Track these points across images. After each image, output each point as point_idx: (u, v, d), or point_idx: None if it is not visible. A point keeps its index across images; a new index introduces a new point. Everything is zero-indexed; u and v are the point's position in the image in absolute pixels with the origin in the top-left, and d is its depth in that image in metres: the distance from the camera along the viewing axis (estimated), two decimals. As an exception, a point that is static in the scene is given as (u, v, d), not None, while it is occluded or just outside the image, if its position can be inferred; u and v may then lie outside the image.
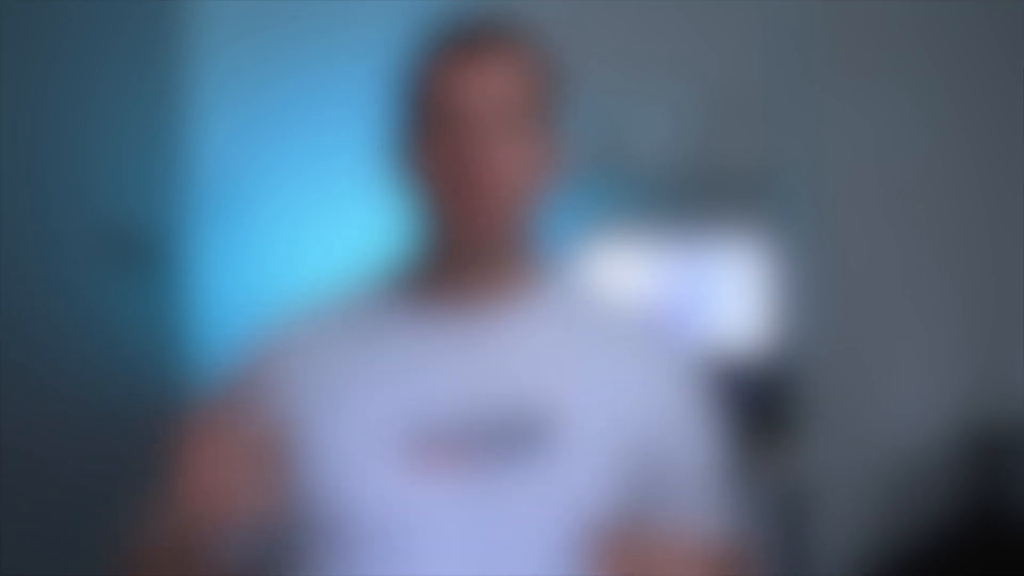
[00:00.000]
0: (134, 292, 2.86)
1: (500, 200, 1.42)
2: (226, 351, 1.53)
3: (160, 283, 2.86)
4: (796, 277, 3.21)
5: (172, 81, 2.84)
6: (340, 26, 2.87)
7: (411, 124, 1.45)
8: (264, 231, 2.86)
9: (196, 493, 1.37)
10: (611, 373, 1.47)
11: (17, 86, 2.89)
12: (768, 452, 3.12)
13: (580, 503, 1.42)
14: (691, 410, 1.52)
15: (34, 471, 2.81)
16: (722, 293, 3.23)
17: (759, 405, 3.12)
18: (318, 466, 1.42)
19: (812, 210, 3.21)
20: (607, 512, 1.43)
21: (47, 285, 2.88)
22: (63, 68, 2.88)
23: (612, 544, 1.41)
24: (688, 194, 3.19)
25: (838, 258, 3.21)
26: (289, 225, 2.86)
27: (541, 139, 1.45)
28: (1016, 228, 3.21)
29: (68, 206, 2.90)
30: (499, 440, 1.42)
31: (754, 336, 3.21)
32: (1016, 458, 3.11)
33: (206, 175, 2.84)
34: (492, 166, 1.41)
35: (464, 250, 1.45)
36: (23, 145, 2.89)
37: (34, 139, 2.90)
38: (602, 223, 3.14)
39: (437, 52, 1.44)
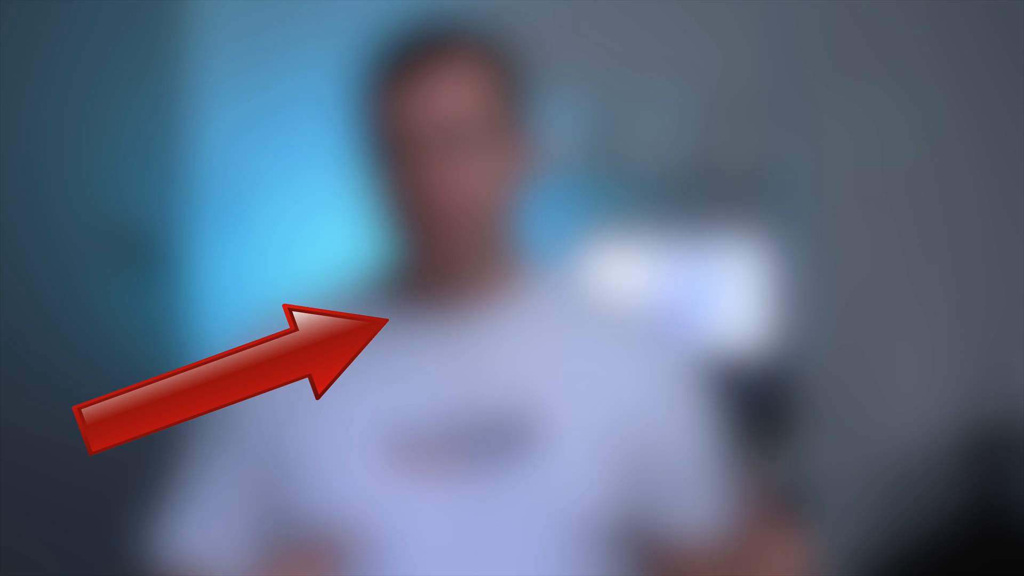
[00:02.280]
0: (134, 292, 2.86)
1: (466, 213, 1.40)
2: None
3: (160, 283, 2.85)
4: (796, 277, 3.21)
5: (172, 81, 2.84)
6: (341, 26, 2.87)
7: (373, 145, 1.44)
8: (263, 231, 2.86)
9: None
10: (602, 372, 1.47)
11: (17, 86, 2.89)
12: (768, 452, 3.11)
13: (570, 503, 1.42)
14: (685, 408, 1.52)
15: (34, 471, 2.81)
16: (721, 293, 3.23)
17: (759, 405, 3.12)
18: (305, 471, 1.42)
19: (812, 210, 3.20)
20: (599, 512, 1.43)
21: (47, 285, 2.88)
22: (62, 68, 2.88)
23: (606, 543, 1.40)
24: (687, 194, 3.18)
25: (838, 258, 3.20)
26: (288, 225, 2.86)
27: (507, 143, 1.43)
28: (1017, 228, 3.21)
29: (68, 206, 2.89)
30: (487, 442, 1.41)
31: (754, 336, 3.21)
32: (1016, 458, 3.11)
33: (206, 175, 2.84)
34: (453, 183, 1.39)
35: (441, 258, 1.44)
36: (23, 145, 2.89)
37: (34, 139, 2.89)
38: (601, 223, 3.14)
39: (382, 72, 1.42)
